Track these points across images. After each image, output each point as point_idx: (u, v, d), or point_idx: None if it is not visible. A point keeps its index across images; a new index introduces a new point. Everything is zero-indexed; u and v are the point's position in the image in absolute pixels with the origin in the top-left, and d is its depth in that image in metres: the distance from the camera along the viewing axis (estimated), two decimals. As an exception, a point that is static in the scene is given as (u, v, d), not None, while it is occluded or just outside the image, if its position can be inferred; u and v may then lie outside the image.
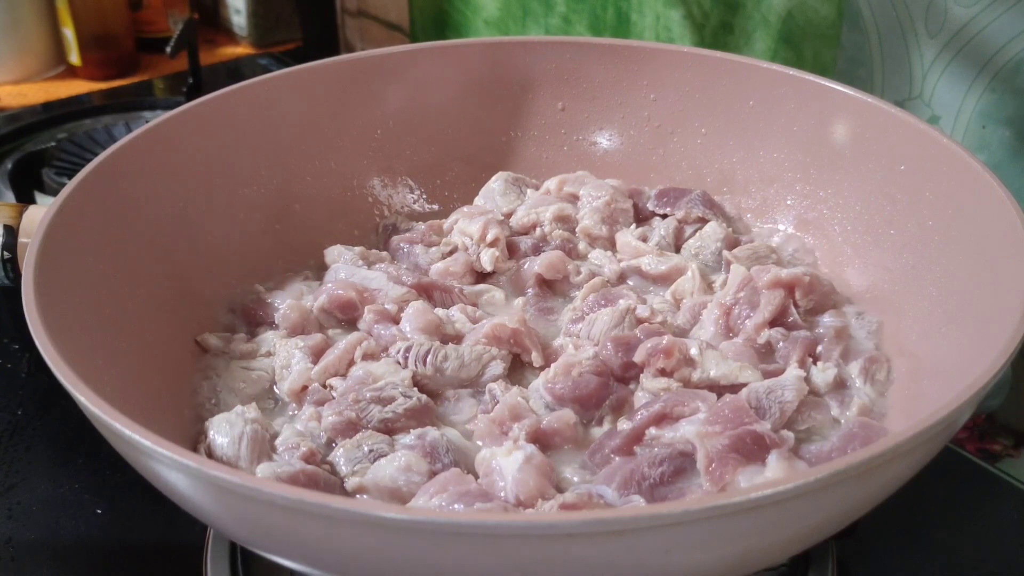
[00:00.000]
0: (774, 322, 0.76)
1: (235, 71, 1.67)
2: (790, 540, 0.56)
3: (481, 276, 0.86)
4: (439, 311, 0.79)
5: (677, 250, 0.88)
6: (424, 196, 0.98)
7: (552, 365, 0.72)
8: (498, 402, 0.70)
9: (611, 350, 0.73)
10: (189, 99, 1.04)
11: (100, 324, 0.69)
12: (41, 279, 0.64)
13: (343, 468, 0.66)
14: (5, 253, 0.77)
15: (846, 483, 0.49)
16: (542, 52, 0.97)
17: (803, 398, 0.69)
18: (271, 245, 0.88)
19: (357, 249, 0.87)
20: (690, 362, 0.71)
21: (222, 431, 0.67)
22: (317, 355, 0.75)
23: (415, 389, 0.71)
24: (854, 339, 0.77)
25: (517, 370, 0.76)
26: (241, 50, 1.79)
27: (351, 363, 0.74)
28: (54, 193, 1.08)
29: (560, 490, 0.63)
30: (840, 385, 0.73)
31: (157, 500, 0.58)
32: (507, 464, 0.62)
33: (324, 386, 0.73)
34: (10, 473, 0.86)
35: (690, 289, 0.82)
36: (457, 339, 0.77)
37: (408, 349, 0.73)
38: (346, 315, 0.80)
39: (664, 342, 0.72)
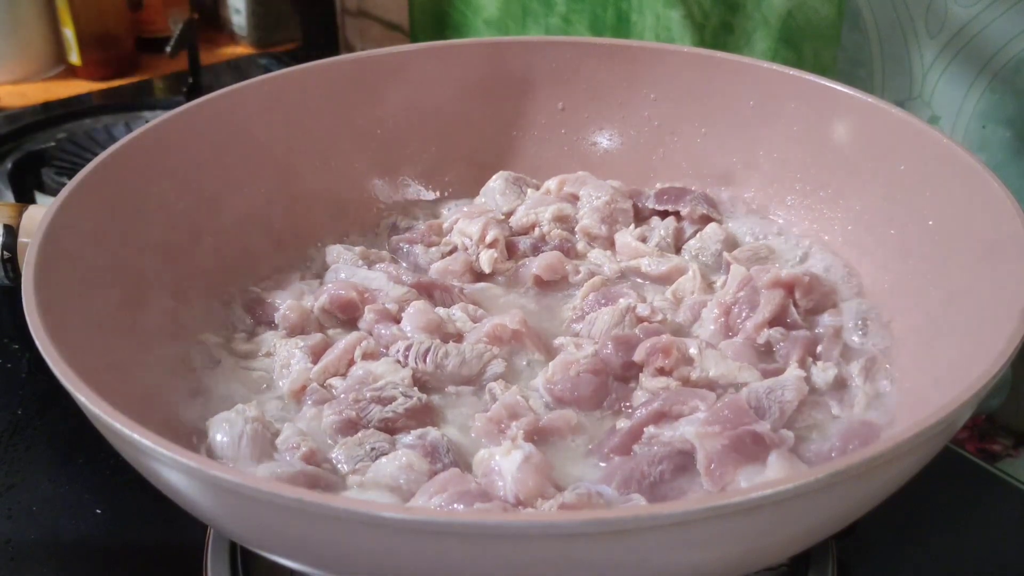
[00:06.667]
0: (774, 322, 0.76)
1: (235, 71, 1.68)
2: (790, 540, 0.56)
3: (480, 275, 0.86)
4: (440, 310, 0.79)
5: (677, 251, 0.88)
6: (424, 196, 0.98)
7: (551, 364, 0.72)
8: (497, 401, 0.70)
9: (611, 349, 0.73)
10: (189, 99, 1.04)
11: (100, 324, 0.69)
12: (41, 279, 0.64)
13: (344, 466, 0.66)
14: (5, 253, 0.77)
15: (846, 483, 0.49)
16: (542, 52, 0.97)
17: (803, 397, 0.69)
18: (271, 245, 0.88)
19: (357, 249, 0.87)
20: (689, 361, 0.71)
21: (222, 430, 0.67)
22: (317, 355, 0.75)
23: (415, 388, 0.71)
24: (854, 339, 0.77)
25: (518, 358, 0.76)
26: (241, 50, 1.79)
27: (351, 363, 0.74)
28: (54, 193, 1.08)
29: (560, 488, 0.63)
30: (840, 385, 0.73)
31: (157, 500, 0.58)
32: (506, 464, 0.62)
33: (323, 386, 0.73)
34: (10, 473, 0.86)
35: (691, 288, 0.82)
36: (458, 338, 0.77)
37: (408, 347, 0.73)
38: (347, 315, 0.80)
39: (663, 341, 0.72)
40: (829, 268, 0.84)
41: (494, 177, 0.95)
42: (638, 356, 0.72)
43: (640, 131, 0.97)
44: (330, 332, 0.79)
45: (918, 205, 0.78)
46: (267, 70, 1.47)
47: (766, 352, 0.76)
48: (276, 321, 0.80)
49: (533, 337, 0.76)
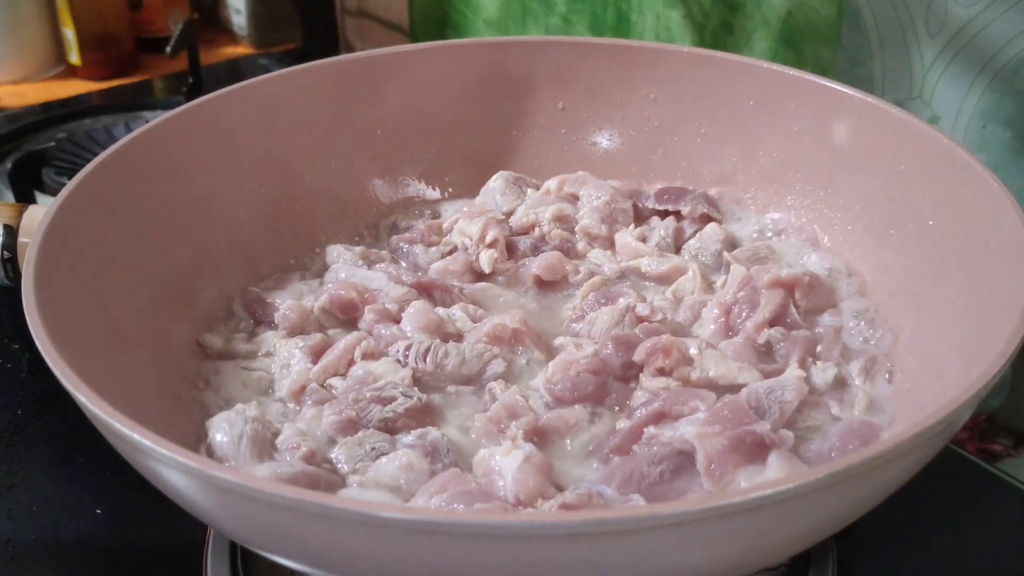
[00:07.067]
0: (774, 322, 0.76)
1: (235, 71, 1.68)
2: (790, 540, 0.56)
3: (480, 275, 0.86)
4: (440, 310, 0.79)
5: (677, 251, 0.88)
6: (424, 195, 0.98)
7: (550, 364, 0.72)
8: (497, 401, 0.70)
9: (611, 349, 0.73)
10: (189, 99, 1.04)
11: (100, 324, 0.69)
12: (41, 279, 0.64)
13: (344, 466, 0.66)
14: (5, 253, 0.77)
15: (846, 483, 0.49)
16: (542, 52, 0.97)
17: (803, 397, 0.69)
18: (271, 245, 0.88)
19: (357, 249, 0.87)
20: (689, 361, 0.71)
21: (222, 430, 0.67)
22: (317, 355, 0.75)
23: (415, 388, 0.71)
24: (854, 339, 0.77)
25: (518, 358, 0.76)
26: (241, 50, 1.79)
27: (351, 363, 0.74)
28: (54, 193, 1.08)
29: (560, 488, 0.63)
30: (840, 385, 0.73)
31: (157, 500, 0.58)
32: (506, 464, 0.62)
33: (323, 386, 0.73)
34: (10, 473, 0.86)
35: (691, 288, 0.82)
36: (458, 338, 0.77)
37: (408, 347, 0.73)
38: (347, 315, 0.80)
39: (663, 341, 0.72)
40: (829, 268, 0.84)
41: (494, 177, 0.95)
42: (638, 356, 0.72)
43: (640, 131, 0.97)
44: (330, 332, 0.79)
45: (918, 205, 0.78)
46: (267, 70, 1.47)
47: (766, 352, 0.76)
48: (276, 321, 0.80)
49: (533, 337, 0.76)
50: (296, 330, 0.79)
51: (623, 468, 0.63)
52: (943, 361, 0.68)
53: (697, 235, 0.88)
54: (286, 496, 0.47)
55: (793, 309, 0.77)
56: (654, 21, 1.24)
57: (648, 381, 0.71)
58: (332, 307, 0.80)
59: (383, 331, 0.77)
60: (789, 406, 0.68)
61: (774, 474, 0.61)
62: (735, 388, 0.70)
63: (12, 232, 0.78)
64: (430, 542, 0.48)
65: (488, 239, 0.86)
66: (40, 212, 0.74)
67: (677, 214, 0.90)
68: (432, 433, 0.67)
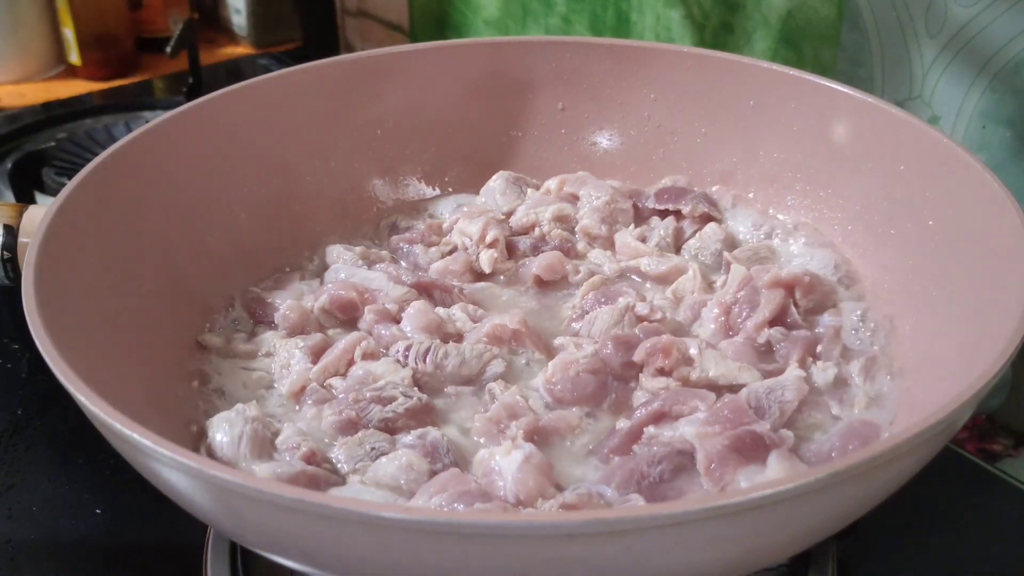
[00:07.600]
0: (774, 322, 0.76)
1: (235, 71, 1.68)
2: (790, 540, 0.56)
3: (480, 275, 0.86)
4: (440, 310, 0.79)
5: (677, 251, 0.88)
6: (424, 195, 0.98)
7: (550, 364, 0.72)
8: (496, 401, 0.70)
9: (611, 349, 0.73)
10: (189, 99, 1.04)
11: (100, 324, 0.69)
12: (41, 279, 0.64)
13: (344, 466, 0.66)
14: (5, 253, 0.77)
15: (846, 483, 0.49)
16: (542, 52, 0.97)
17: (803, 397, 0.69)
18: (271, 245, 0.88)
19: (357, 249, 0.87)
20: (689, 361, 0.71)
21: (222, 430, 0.67)
22: (317, 355, 0.75)
23: (415, 388, 0.71)
24: (854, 339, 0.77)
25: (518, 358, 0.76)
26: (241, 50, 1.79)
27: (351, 363, 0.74)
28: (54, 193, 1.08)
29: (560, 488, 0.63)
30: (840, 385, 0.73)
31: (157, 500, 0.58)
32: (506, 464, 0.62)
33: (323, 386, 0.73)
34: (10, 473, 0.86)
35: (691, 288, 0.82)
36: (458, 338, 0.77)
37: (408, 348, 0.73)
38: (347, 315, 0.80)
39: (663, 341, 0.72)
40: (829, 268, 0.84)
41: (494, 177, 0.95)
42: (638, 356, 0.72)
43: (640, 131, 0.97)
44: (330, 332, 0.79)
45: (918, 205, 0.78)
46: (267, 70, 1.47)
47: (766, 352, 0.76)
48: (276, 321, 0.80)
49: (533, 337, 0.76)
50: (296, 330, 0.79)
51: (623, 468, 0.63)
52: (943, 361, 0.68)
53: (697, 235, 0.88)
54: (286, 496, 0.47)
55: (793, 309, 0.77)
56: (654, 21, 1.24)
57: (648, 381, 0.71)
58: (332, 307, 0.80)
59: (383, 331, 0.77)
60: (789, 406, 0.68)
61: (774, 474, 0.61)
62: (735, 388, 0.70)
63: (12, 232, 0.78)
64: (430, 542, 0.48)
65: (488, 239, 0.86)
66: (40, 212, 0.74)
67: (677, 214, 0.90)
68: (432, 433, 0.67)
